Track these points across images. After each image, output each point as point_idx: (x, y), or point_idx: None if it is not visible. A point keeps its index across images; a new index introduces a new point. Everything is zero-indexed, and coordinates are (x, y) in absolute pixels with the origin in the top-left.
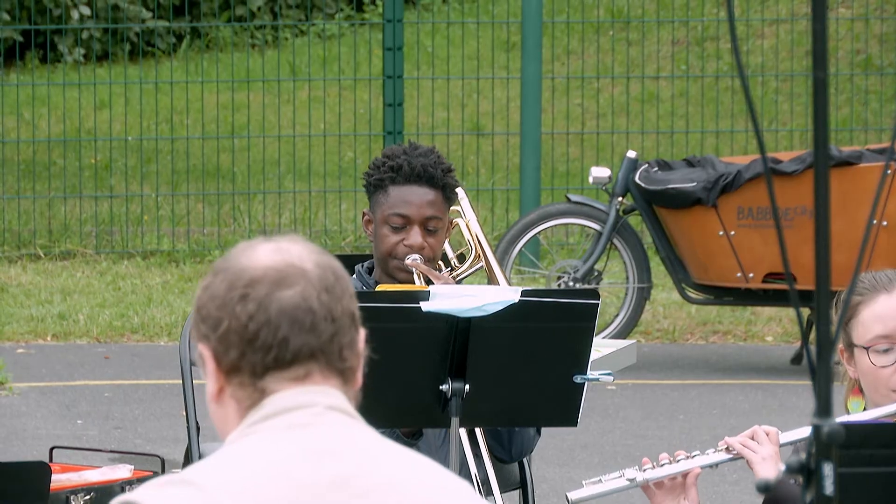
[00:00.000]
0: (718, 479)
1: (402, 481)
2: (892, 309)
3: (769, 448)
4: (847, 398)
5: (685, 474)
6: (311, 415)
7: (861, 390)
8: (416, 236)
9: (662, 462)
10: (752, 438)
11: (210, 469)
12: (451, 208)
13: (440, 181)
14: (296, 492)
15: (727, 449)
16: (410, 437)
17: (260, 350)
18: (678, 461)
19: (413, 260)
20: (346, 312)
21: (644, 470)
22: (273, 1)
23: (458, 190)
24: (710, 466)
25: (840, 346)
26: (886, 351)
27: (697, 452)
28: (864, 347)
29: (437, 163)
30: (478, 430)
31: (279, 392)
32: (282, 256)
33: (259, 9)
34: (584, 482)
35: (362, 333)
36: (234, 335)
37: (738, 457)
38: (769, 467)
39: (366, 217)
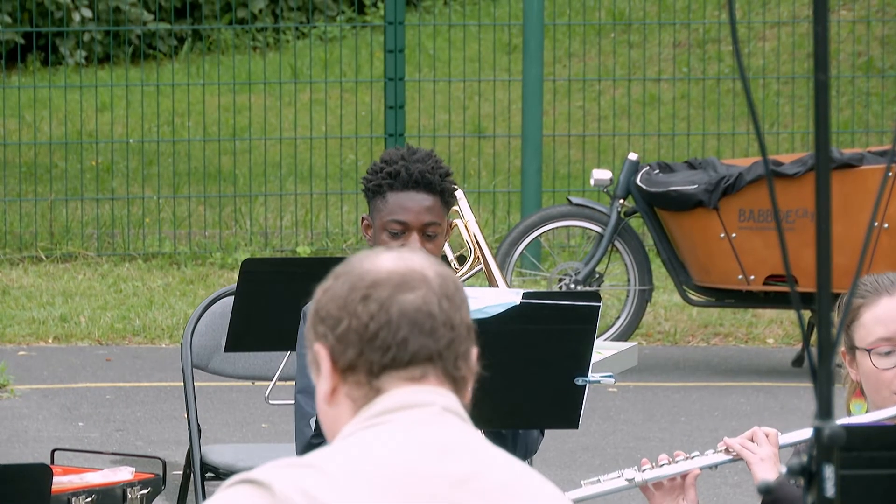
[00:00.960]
0: (720, 480)
1: (516, 486)
2: (893, 312)
3: (768, 449)
4: (849, 400)
5: (684, 475)
6: (430, 414)
7: (863, 393)
8: (414, 243)
9: (661, 463)
10: (752, 440)
11: (333, 456)
12: (451, 210)
13: (438, 186)
14: (417, 486)
15: (726, 450)
16: None
17: (379, 349)
18: (677, 462)
19: None
20: (464, 322)
21: (643, 470)
22: (274, 3)
23: (457, 192)
24: (710, 467)
25: (842, 348)
26: (888, 353)
27: (696, 453)
28: (866, 350)
29: (435, 168)
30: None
31: (396, 389)
32: (404, 262)
33: (260, 11)
34: (582, 482)
35: (476, 349)
36: (353, 334)
37: (738, 458)
38: (768, 469)
39: (365, 222)
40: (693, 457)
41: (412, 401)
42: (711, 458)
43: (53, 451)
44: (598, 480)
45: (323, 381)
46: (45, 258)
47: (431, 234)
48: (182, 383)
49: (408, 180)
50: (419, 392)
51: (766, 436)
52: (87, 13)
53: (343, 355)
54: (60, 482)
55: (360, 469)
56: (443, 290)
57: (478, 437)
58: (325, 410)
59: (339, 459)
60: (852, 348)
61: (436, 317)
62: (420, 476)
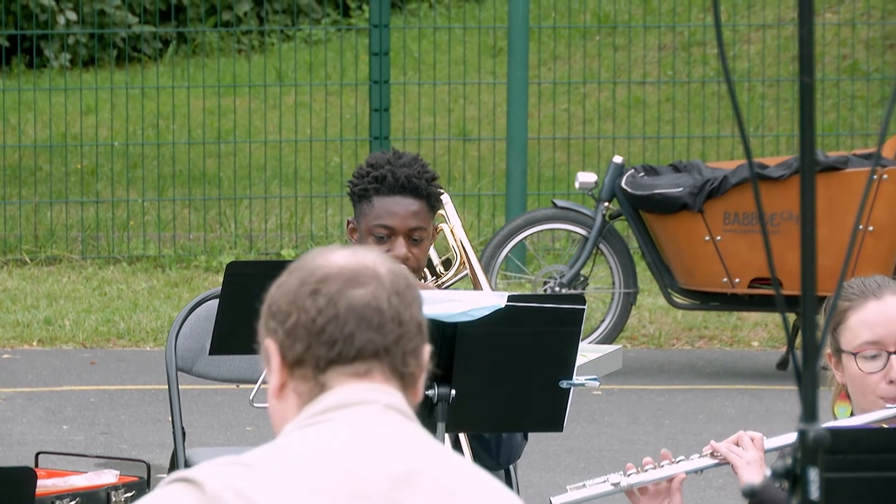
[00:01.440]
0: (704, 484)
1: (458, 483)
2: (880, 315)
3: (754, 453)
4: (834, 403)
5: (670, 479)
6: (372, 411)
7: (848, 395)
8: (400, 247)
9: (647, 467)
10: (738, 444)
11: (270, 455)
12: (437, 213)
13: (424, 191)
14: (352, 485)
15: (712, 454)
16: None
17: (325, 344)
18: (663, 466)
19: None
20: (413, 319)
21: (628, 475)
22: (259, 6)
23: (443, 195)
24: (695, 472)
25: (828, 350)
26: (874, 357)
27: (682, 457)
28: (852, 353)
29: (422, 172)
30: (462, 437)
31: (339, 386)
32: (356, 259)
33: (245, 14)
34: (568, 487)
35: (428, 347)
36: (301, 328)
37: (723, 462)
38: (754, 472)
39: (350, 225)
40: (679, 461)
41: (354, 398)
42: (697, 462)
43: (38, 454)
44: (584, 485)
45: (273, 375)
46: (29, 261)
47: (417, 238)
48: (166, 386)
49: (394, 185)
50: (362, 390)
51: (752, 440)
52: (72, 16)
53: (291, 349)
54: (44, 485)
55: (296, 468)
56: (393, 286)
57: (421, 434)
58: (274, 405)
59: (276, 458)
60: (838, 351)
61: (384, 312)
62: (357, 475)
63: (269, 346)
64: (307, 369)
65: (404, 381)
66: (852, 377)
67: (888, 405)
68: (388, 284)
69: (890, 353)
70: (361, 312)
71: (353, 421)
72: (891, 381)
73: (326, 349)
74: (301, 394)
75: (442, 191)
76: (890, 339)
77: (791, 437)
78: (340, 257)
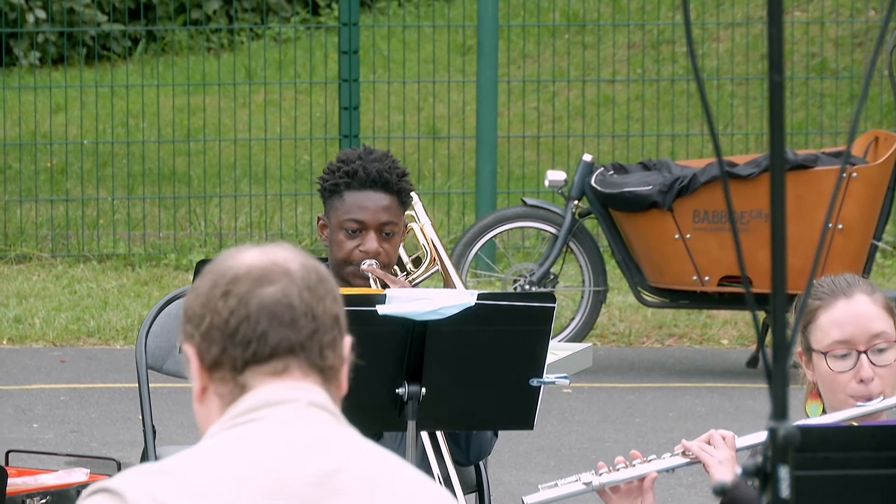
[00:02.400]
0: (674, 482)
1: (382, 481)
2: (850, 315)
3: (725, 452)
4: (806, 402)
5: (641, 478)
6: (293, 410)
7: (819, 394)
8: (371, 242)
9: (618, 466)
10: (709, 443)
11: (190, 460)
12: (406, 213)
13: (395, 186)
14: (274, 486)
15: (683, 453)
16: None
17: (240, 344)
18: (634, 465)
19: (369, 265)
20: (328, 312)
21: (600, 474)
22: (229, 4)
23: (412, 194)
24: (667, 471)
25: (799, 349)
26: (844, 356)
27: (654, 456)
28: (823, 353)
29: (392, 168)
30: (439, 433)
31: (259, 387)
32: (267, 257)
33: (215, 12)
34: (539, 486)
35: (348, 339)
36: (215, 331)
37: (695, 460)
38: (725, 471)
39: (321, 222)
40: (650, 460)
41: (275, 398)
42: (668, 461)
43: (8, 453)
44: (556, 484)
45: (194, 380)
46: None
47: (388, 233)
48: (137, 384)
49: (365, 179)
50: (283, 388)
51: (723, 438)
52: (42, 14)
53: (208, 352)
54: (15, 484)
55: (215, 473)
56: (304, 281)
57: (345, 432)
58: (197, 409)
59: (196, 463)
60: (809, 350)
61: (296, 308)
62: (278, 476)
63: (188, 350)
64: (225, 371)
65: (324, 374)
66: (823, 376)
67: (858, 403)
68: (298, 280)
69: (860, 353)
70: (273, 310)
71: (275, 421)
72: (861, 381)
73: (241, 350)
74: (222, 396)
75: (413, 188)
76: (860, 338)
77: (762, 436)
78: (250, 257)
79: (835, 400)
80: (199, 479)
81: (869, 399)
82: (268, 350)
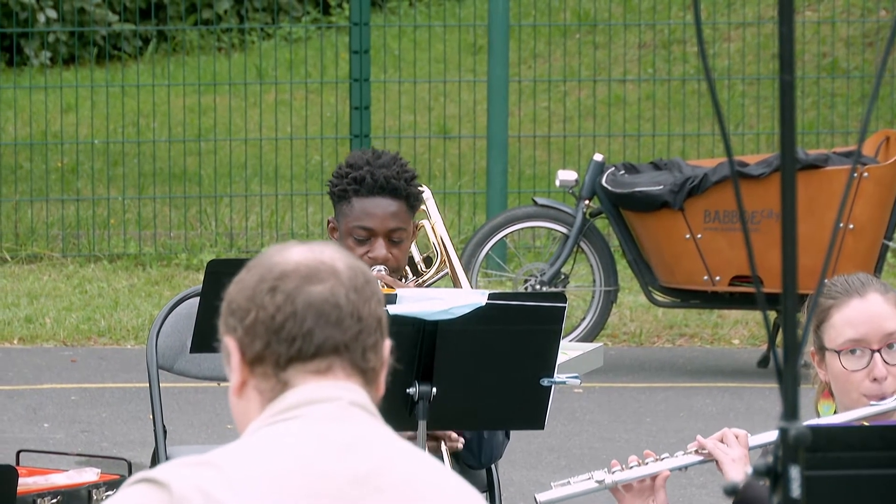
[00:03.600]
0: (686, 482)
1: (419, 481)
2: (863, 313)
3: (739, 450)
4: (818, 401)
5: (654, 477)
6: (336, 408)
7: (832, 394)
8: (380, 248)
9: (631, 464)
10: (722, 441)
11: (234, 454)
12: (418, 210)
13: (404, 191)
14: (316, 484)
15: (696, 451)
16: None
17: (285, 341)
18: (647, 463)
19: (378, 271)
20: (372, 314)
21: (613, 472)
22: (240, 4)
23: (425, 191)
24: (680, 469)
25: (812, 349)
26: (857, 355)
27: (666, 455)
28: (836, 351)
29: (401, 173)
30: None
31: (302, 384)
32: (314, 255)
33: (226, 12)
34: (552, 484)
35: (388, 342)
36: (260, 326)
37: (708, 458)
38: (739, 469)
39: (331, 225)
40: (663, 458)
41: (318, 396)
42: (681, 459)
43: (19, 453)
44: (568, 482)
45: (233, 373)
46: (9, 259)
47: (397, 239)
48: (147, 384)
49: (373, 186)
50: (325, 387)
51: (737, 437)
52: (52, 14)
53: (251, 347)
54: (26, 483)
55: (260, 468)
56: (352, 282)
57: (385, 431)
58: (235, 403)
59: (241, 458)
60: (822, 349)
61: (342, 308)
62: (320, 474)
63: (229, 343)
64: (267, 367)
65: (366, 376)
66: (836, 375)
67: (871, 402)
68: (346, 280)
69: (873, 351)
70: (320, 309)
71: (317, 418)
72: (874, 379)
73: (286, 346)
74: (263, 392)
75: (423, 188)
76: (873, 336)
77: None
78: (298, 254)
79: (848, 399)
80: (242, 473)
81: (882, 398)
82: (312, 348)
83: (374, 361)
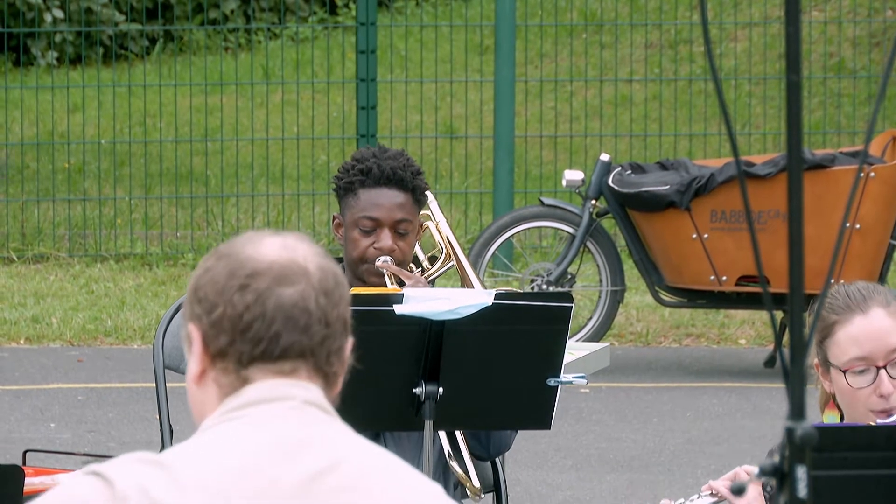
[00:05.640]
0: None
1: (376, 479)
2: (867, 332)
3: (752, 489)
4: (822, 410)
5: None
6: (288, 408)
7: (836, 404)
8: (386, 239)
9: None
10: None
11: (183, 454)
12: (421, 212)
13: (410, 183)
14: (267, 484)
15: (711, 493)
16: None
17: (250, 341)
18: None
19: (384, 261)
20: (340, 318)
21: None
22: (246, 4)
23: (427, 193)
24: None
25: (815, 360)
26: (863, 372)
27: (682, 499)
28: (842, 370)
29: (407, 165)
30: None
31: (261, 381)
32: (288, 254)
33: (232, 12)
34: None
35: (350, 341)
36: (227, 322)
37: (722, 499)
38: None
39: (336, 221)
40: (678, 503)
41: (273, 394)
42: (697, 502)
43: (25, 453)
44: None
45: (193, 361)
46: (16, 259)
47: (403, 231)
48: (154, 384)
49: (380, 177)
50: (282, 385)
51: (748, 475)
52: (59, 14)
53: (215, 340)
54: (32, 483)
55: (206, 468)
56: (322, 285)
57: (340, 429)
58: (193, 391)
59: (189, 458)
60: (826, 363)
61: (312, 313)
62: (268, 475)
63: (193, 331)
64: (229, 363)
65: (327, 379)
66: (842, 391)
67: (878, 420)
68: (316, 283)
69: (879, 368)
70: (289, 313)
71: (270, 417)
72: (881, 395)
73: (251, 346)
74: (222, 385)
75: (428, 187)
76: (878, 353)
77: None
78: (271, 250)
79: (855, 413)
80: (190, 473)
81: (889, 413)
82: (278, 351)
83: (336, 365)
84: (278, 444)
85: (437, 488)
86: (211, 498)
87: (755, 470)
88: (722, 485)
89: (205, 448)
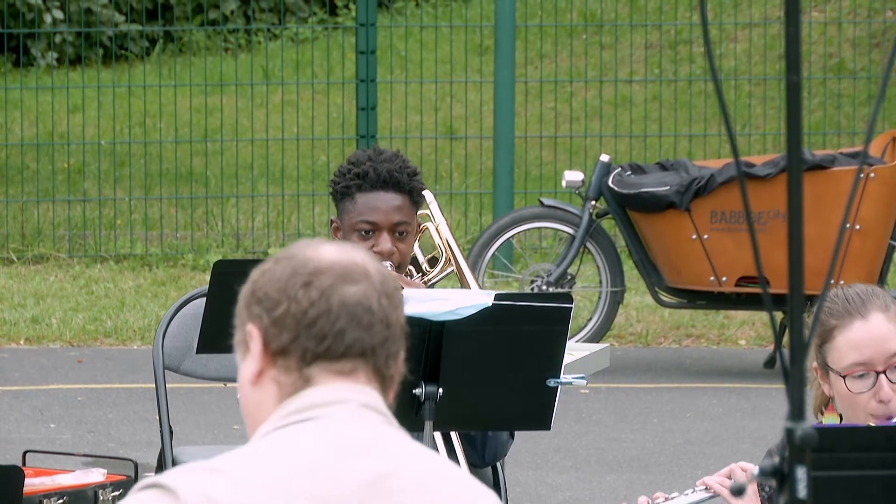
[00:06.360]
0: None
1: (432, 483)
2: (866, 337)
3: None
4: (819, 412)
5: None
6: (348, 411)
7: (835, 407)
8: (385, 242)
9: None
10: (730, 477)
11: (242, 459)
12: (420, 212)
13: (406, 185)
14: (327, 488)
15: (705, 489)
16: None
17: (315, 337)
18: (657, 503)
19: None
20: (399, 322)
21: None
22: (246, 5)
23: (427, 194)
24: None
25: (814, 364)
26: (862, 377)
27: (676, 494)
28: (841, 375)
29: (403, 167)
30: (453, 434)
31: (319, 385)
32: (347, 255)
33: (232, 12)
34: None
35: (404, 351)
36: (290, 318)
37: (716, 495)
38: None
39: (334, 224)
40: (672, 497)
41: (332, 398)
42: (691, 497)
43: (25, 453)
44: None
45: (250, 362)
46: (16, 260)
47: (401, 233)
48: (154, 385)
49: (376, 180)
50: (341, 389)
51: (744, 471)
52: (59, 14)
53: (277, 338)
54: (32, 484)
55: (268, 473)
56: (383, 287)
57: (397, 434)
58: (248, 392)
59: (249, 463)
60: (826, 367)
61: (374, 312)
62: (329, 478)
63: (252, 331)
64: (291, 360)
65: (384, 382)
66: (842, 396)
67: (879, 423)
68: (378, 284)
69: (878, 373)
70: (353, 310)
71: (329, 421)
72: (880, 401)
73: (315, 343)
74: (282, 384)
75: (424, 187)
76: (878, 358)
77: None
78: (331, 252)
79: (855, 417)
80: (251, 479)
81: (889, 417)
82: (341, 348)
83: (393, 369)
84: (339, 448)
85: (491, 494)
86: (274, 502)
87: (750, 466)
88: (716, 481)
89: (264, 453)
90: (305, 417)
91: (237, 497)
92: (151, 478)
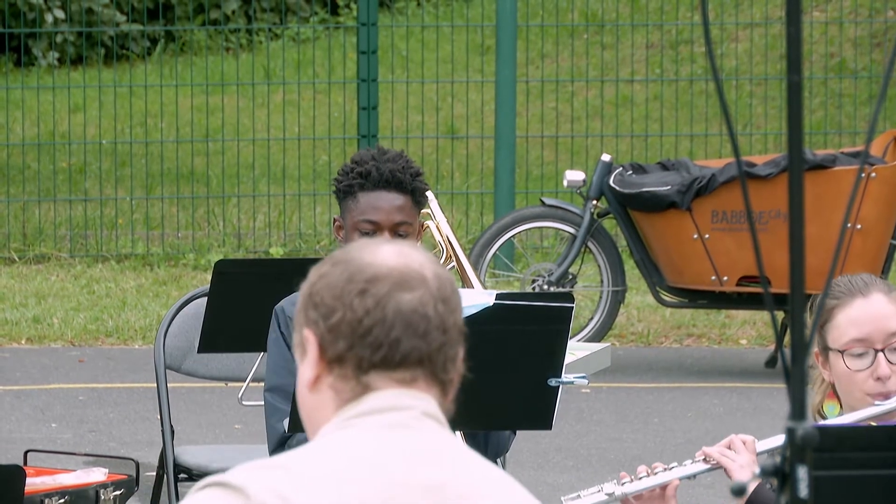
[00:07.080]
0: (694, 482)
1: (490, 492)
2: (867, 313)
3: (746, 456)
4: (821, 402)
5: (664, 486)
6: (410, 418)
7: (836, 394)
8: None
9: (640, 475)
10: (730, 448)
11: (305, 456)
12: (422, 211)
13: (409, 186)
14: (389, 490)
15: (705, 459)
16: None
17: (370, 346)
18: (656, 473)
19: None
20: (456, 325)
21: (622, 484)
22: (247, 4)
23: (428, 193)
24: (689, 477)
25: (816, 349)
26: (861, 355)
27: (675, 464)
28: (840, 351)
29: (406, 167)
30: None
31: (383, 390)
32: (404, 260)
33: (233, 12)
34: (563, 499)
35: (463, 350)
36: (346, 326)
37: (717, 466)
38: (747, 475)
39: (336, 223)
40: (672, 467)
41: (394, 403)
42: (690, 468)
43: (26, 453)
44: (579, 496)
45: (307, 366)
46: (17, 259)
47: (403, 233)
48: (155, 384)
49: (378, 180)
50: (402, 395)
51: (744, 443)
52: (60, 14)
53: (333, 346)
54: (33, 483)
55: (332, 473)
56: (440, 292)
57: (454, 442)
58: (305, 396)
59: (313, 461)
60: (826, 349)
61: (430, 319)
62: (393, 481)
63: (309, 337)
64: (347, 369)
65: (444, 387)
66: (840, 375)
67: (876, 402)
68: (435, 290)
69: (877, 351)
70: (408, 319)
71: (391, 426)
72: (878, 378)
73: (370, 352)
74: (340, 391)
75: (428, 188)
76: (877, 336)
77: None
78: (389, 257)
79: (852, 399)
80: (316, 477)
81: (886, 397)
82: (398, 357)
83: (451, 373)
84: (401, 453)
85: (536, 502)
86: (341, 497)
87: (750, 438)
88: (716, 451)
89: (328, 451)
90: (367, 421)
91: (305, 494)
92: (213, 477)
